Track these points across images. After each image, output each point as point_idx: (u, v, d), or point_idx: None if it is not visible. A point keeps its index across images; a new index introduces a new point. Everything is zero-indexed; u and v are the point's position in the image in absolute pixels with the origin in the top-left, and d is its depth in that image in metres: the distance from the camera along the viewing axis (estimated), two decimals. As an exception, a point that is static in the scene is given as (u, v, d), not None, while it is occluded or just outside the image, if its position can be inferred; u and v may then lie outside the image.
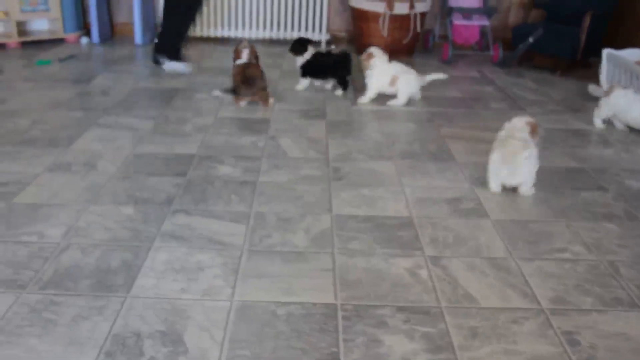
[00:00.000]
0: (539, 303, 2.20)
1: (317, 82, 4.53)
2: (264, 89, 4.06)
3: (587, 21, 5.11)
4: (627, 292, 2.29)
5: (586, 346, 1.99)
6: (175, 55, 4.83)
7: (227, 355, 1.85)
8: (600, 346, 1.99)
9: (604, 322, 2.11)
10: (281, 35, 5.89)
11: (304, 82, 4.49)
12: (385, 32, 5.44)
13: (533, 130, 3.02)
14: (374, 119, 4.03)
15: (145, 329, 1.94)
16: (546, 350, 1.96)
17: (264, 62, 5.17)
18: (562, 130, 4.02)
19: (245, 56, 4.17)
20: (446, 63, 5.56)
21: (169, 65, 4.82)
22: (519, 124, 3.03)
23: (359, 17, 5.57)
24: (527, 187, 3.01)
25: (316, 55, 4.40)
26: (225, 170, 3.13)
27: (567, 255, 2.53)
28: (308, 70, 4.43)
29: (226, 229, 2.57)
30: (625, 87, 4.01)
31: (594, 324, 2.10)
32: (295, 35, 5.82)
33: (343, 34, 6.13)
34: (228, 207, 2.76)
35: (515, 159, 2.94)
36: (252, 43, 4.38)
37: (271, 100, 4.08)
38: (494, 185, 3.05)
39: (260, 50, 5.45)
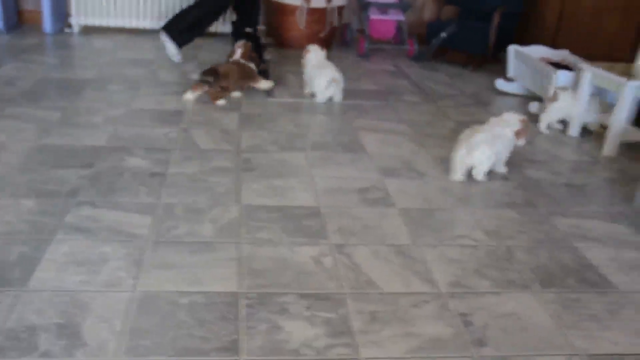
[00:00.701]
0: (437, 287, 2.27)
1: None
2: (225, 89, 4.09)
3: (497, 18, 5.29)
4: (521, 275, 2.40)
5: (479, 326, 2.08)
6: (176, 38, 4.77)
7: (127, 345, 1.84)
8: (492, 326, 2.09)
9: (497, 304, 2.21)
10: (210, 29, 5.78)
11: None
12: (302, 26, 5.47)
13: (523, 130, 3.23)
14: (289, 111, 4.05)
15: (41, 323, 1.90)
16: (442, 331, 2.03)
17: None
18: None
19: (238, 55, 4.24)
20: (362, 57, 5.64)
21: (167, 44, 4.80)
22: (510, 119, 3.26)
23: (276, 11, 5.57)
24: (478, 171, 3.17)
25: None
26: (134, 162, 3.08)
27: (468, 241, 2.62)
28: None
29: (133, 220, 2.53)
30: (565, 89, 4.04)
31: (488, 306, 2.19)
32: (210, 29, 5.73)
33: (262, 27, 6.11)
34: (136, 198, 2.72)
35: (473, 138, 3.11)
36: (248, 44, 4.34)
37: (221, 102, 4.06)
38: (458, 173, 3.18)
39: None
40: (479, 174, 3.17)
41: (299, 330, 1.97)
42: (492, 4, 5.36)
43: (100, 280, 2.13)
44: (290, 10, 5.45)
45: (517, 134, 3.25)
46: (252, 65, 4.31)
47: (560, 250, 2.61)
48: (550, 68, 4.27)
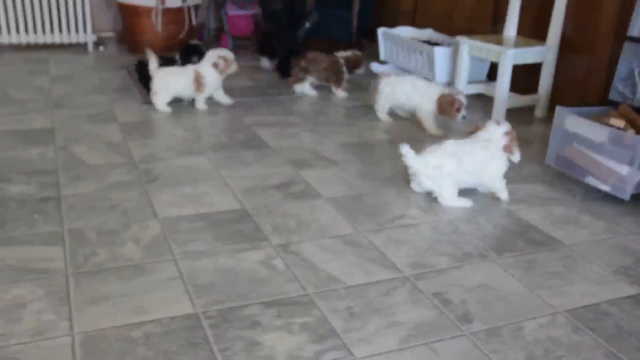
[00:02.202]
0: (401, 271, 2.15)
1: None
2: (305, 70, 4.23)
3: (356, 5, 5.30)
4: (473, 246, 2.35)
5: (458, 303, 1.98)
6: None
7: (87, 399, 1.51)
8: (470, 300, 2.00)
9: (464, 277, 2.13)
10: (40, 39, 5.23)
11: None
12: (159, 27, 5.12)
13: (509, 144, 2.68)
14: (170, 115, 3.74)
15: (-32, 393, 1.51)
16: (424, 314, 1.91)
17: (24, 70, 4.60)
18: (359, 106, 4.09)
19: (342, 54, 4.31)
20: (227, 55, 5.40)
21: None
22: (493, 134, 2.70)
23: (129, 13, 5.17)
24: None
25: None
26: (17, 189, 2.65)
27: (408, 220, 2.53)
28: None
29: (39, 254, 2.15)
30: (389, 75, 3.83)
31: (457, 281, 2.11)
32: (56, 39, 5.22)
33: (110, 34, 5.66)
34: (33, 229, 2.32)
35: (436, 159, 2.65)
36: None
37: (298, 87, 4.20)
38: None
39: (17, 58, 4.83)
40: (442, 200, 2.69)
41: (279, 342, 1.75)
42: (350, -9, 5.36)
43: (25, 329, 1.76)
44: (143, 12, 5.07)
45: (505, 149, 2.69)
46: (344, 68, 4.27)
47: (497, 216, 2.60)
48: (427, 45, 4.32)
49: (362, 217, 2.54)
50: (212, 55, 3.83)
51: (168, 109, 3.79)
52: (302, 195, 2.72)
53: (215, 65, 3.79)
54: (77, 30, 5.31)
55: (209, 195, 2.68)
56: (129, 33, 5.31)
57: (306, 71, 4.24)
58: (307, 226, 2.44)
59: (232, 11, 5.44)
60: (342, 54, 4.31)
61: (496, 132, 2.69)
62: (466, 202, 2.68)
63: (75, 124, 3.49)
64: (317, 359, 1.69)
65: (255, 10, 5.54)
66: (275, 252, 2.23)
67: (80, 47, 5.38)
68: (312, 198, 2.70)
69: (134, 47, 5.23)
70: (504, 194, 2.73)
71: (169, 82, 3.76)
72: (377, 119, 3.83)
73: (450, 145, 2.67)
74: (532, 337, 1.83)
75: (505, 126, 2.72)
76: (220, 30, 5.68)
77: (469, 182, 2.70)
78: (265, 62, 4.97)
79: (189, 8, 5.26)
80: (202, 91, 3.82)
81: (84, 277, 2.02)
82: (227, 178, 2.86)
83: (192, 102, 3.91)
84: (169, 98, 3.79)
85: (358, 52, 4.37)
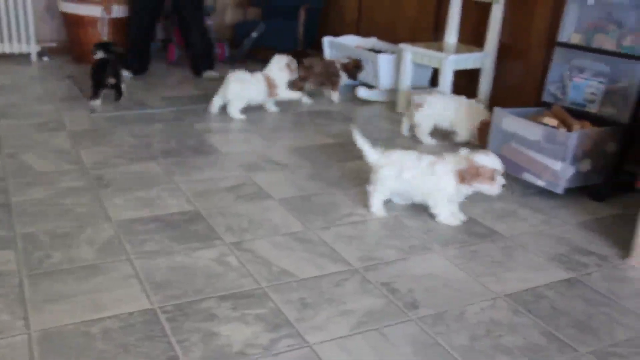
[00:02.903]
0: (350, 264, 2.24)
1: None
2: (303, 79, 4.42)
3: (302, 15, 5.41)
4: (418, 240, 2.46)
5: (405, 292, 2.08)
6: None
7: (48, 391, 1.54)
8: (416, 289, 2.10)
9: (411, 268, 2.24)
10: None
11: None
12: (105, 37, 5.10)
13: (464, 174, 2.49)
14: (119, 124, 3.75)
15: None
16: (374, 302, 2.00)
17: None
18: (308, 112, 4.19)
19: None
20: (173, 64, 5.44)
21: None
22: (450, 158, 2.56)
23: (74, 23, 5.15)
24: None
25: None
26: (-36, 196, 2.63)
27: (356, 217, 2.63)
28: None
29: (-9, 258, 2.15)
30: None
31: (404, 272, 2.21)
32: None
33: (54, 44, 5.61)
34: (-16, 234, 2.32)
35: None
36: None
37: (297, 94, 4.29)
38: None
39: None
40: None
41: (235, 332, 1.81)
42: (296, 2, 5.47)
43: (-19, 329, 1.77)
44: (89, 21, 5.06)
45: (459, 176, 2.50)
46: (340, 71, 4.38)
47: (441, 212, 2.72)
48: (371, 53, 4.46)
49: (312, 216, 2.62)
50: (279, 60, 4.06)
51: (242, 116, 3.95)
52: (254, 197, 2.79)
53: (287, 66, 4.05)
54: (19, 40, 5.26)
55: (162, 198, 2.72)
56: (73, 43, 5.28)
57: (304, 79, 4.38)
58: (259, 225, 2.51)
59: (179, 21, 5.46)
60: (340, 60, 4.46)
61: (454, 158, 2.54)
62: (381, 213, 2.64)
63: (22, 133, 3.48)
64: (272, 346, 1.76)
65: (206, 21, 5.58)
66: (228, 250, 2.30)
67: (24, 58, 5.32)
68: (263, 199, 2.77)
69: (79, 57, 5.21)
70: (440, 217, 2.60)
71: (243, 89, 3.91)
72: (325, 124, 3.93)
73: (397, 154, 2.62)
74: (474, 320, 1.94)
75: (482, 157, 2.50)
76: (166, 40, 5.71)
77: (410, 194, 2.65)
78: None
79: (135, 18, 5.26)
80: (275, 95, 4.05)
81: (40, 278, 2.04)
82: (179, 182, 2.91)
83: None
84: (243, 105, 3.97)
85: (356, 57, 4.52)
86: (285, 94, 4.14)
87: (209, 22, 5.54)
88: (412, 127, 3.72)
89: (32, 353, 1.68)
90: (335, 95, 4.45)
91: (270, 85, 4.03)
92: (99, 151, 3.26)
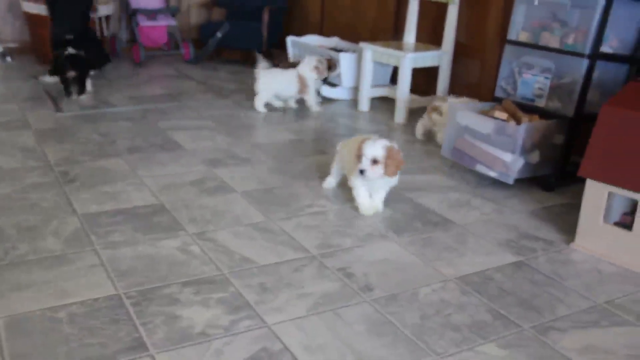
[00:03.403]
0: (309, 252, 2.34)
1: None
2: None
3: (266, 16, 5.50)
4: (374, 228, 2.57)
5: (360, 276, 2.19)
6: None
7: (16, 372, 1.61)
8: (371, 273, 2.21)
9: (367, 254, 2.35)
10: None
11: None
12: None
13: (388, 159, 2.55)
14: (85, 122, 3.80)
15: None
16: (330, 286, 2.11)
17: None
18: (269, 111, 4.28)
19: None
20: (139, 65, 5.48)
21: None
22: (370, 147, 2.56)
23: (37, 24, 5.16)
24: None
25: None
26: None
27: (316, 209, 2.73)
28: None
29: (-42, 250, 2.20)
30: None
31: (359, 258, 2.32)
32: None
33: (16, 44, 5.61)
34: (-50, 228, 2.36)
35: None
36: None
37: None
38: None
39: None
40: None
41: (197, 315, 1.90)
42: (260, 3, 5.56)
43: (-51, 316, 1.83)
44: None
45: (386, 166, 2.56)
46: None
47: (397, 202, 2.84)
48: (332, 52, 4.57)
49: (273, 207, 2.71)
50: (312, 59, 4.21)
51: (264, 110, 4.18)
52: (217, 190, 2.87)
53: (316, 68, 4.17)
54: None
55: (126, 192, 2.79)
56: (37, 43, 5.30)
57: None
58: (221, 217, 2.59)
59: (144, 22, 5.52)
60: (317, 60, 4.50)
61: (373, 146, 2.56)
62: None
63: (-13, 131, 3.51)
64: (232, 327, 1.85)
65: (169, 21, 5.64)
66: (191, 240, 2.38)
67: (-14, 59, 5.31)
68: (227, 192, 2.85)
69: (43, 57, 5.22)
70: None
71: (272, 83, 4.13)
72: (287, 121, 4.03)
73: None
74: (426, 301, 2.06)
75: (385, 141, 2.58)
76: (132, 41, 5.74)
77: None
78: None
79: (100, 19, 5.30)
80: (306, 92, 4.22)
81: (5, 268, 2.10)
82: (144, 177, 2.97)
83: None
84: (268, 98, 4.20)
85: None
86: (312, 94, 4.28)
87: (174, 22, 5.60)
88: (426, 132, 3.79)
89: (1, 336, 1.74)
90: (315, 107, 4.36)
91: (302, 84, 4.19)
92: (64, 148, 3.31)
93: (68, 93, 4.21)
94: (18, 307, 1.88)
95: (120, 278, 2.07)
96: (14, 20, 5.53)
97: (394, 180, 2.66)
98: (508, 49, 3.21)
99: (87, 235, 2.36)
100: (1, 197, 2.65)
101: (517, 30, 3.15)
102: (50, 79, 4.54)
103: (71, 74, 4.12)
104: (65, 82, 4.19)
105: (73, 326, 1.80)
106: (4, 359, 1.65)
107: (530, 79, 3.11)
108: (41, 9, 5.05)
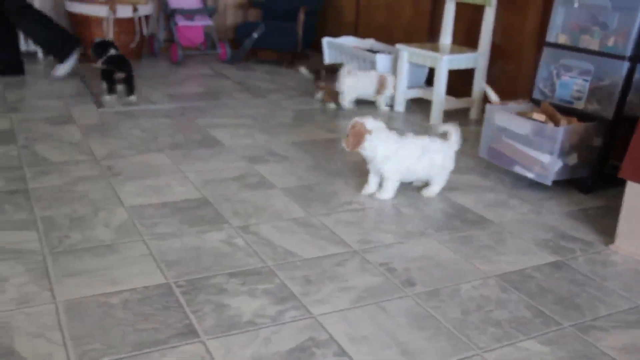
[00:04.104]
0: (350, 246, 2.39)
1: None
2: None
3: (301, 17, 5.57)
4: (414, 225, 2.61)
5: (402, 271, 2.23)
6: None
7: (76, 353, 1.69)
8: (412, 268, 2.25)
9: (407, 251, 2.39)
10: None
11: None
12: (110, 37, 5.26)
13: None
14: (127, 118, 3.90)
15: (-36, 350, 1.67)
16: (373, 280, 2.15)
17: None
18: (306, 110, 4.34)
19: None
20: (177, 64, 5.58)
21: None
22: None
23: (80, 23, 5.29)
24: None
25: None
26: (-17, 183, 2.77)
27: (355, 206, 2.78)
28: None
29: (14, 237, 2.30)
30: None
31: (400, 253, 2.36)
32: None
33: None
34: (5, 216, 2.46)
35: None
36: None
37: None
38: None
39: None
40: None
41: (245, 304, 1.96)
42: (295, 4, 5.63)
43: (9, 299, 1.91)
44: (95, 21, 5.21)
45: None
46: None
47: (435, 201, 2.88)
48: (369, 53, 4.62)
49: (313, 203, 2.77)
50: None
51: (351, 106, 4.41)
52: (258, 185, 2.94)
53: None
54: (26, 39, 5.39)
55: (170, 186, 2.86)
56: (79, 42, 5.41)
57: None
58: (263, 211, 2.66)
59: (182, 22, 5.62)
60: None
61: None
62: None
63: (34, 126, 3.62)
64: (279, 317, 1.91)
65: (206, 21, 5.74)
66: (235, 233, 2.44)
67: (30, 56, 5.45)
68: (267, 188, 2.91)
69: (85, 55, 5.34)
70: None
71: (354, 83, 4.33)
72: (324, 120, 4.09)
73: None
74: (466, 296, 2.09)
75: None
76: (169, 40, 5.85)
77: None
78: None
79: (139, 18, 5.42)
80: (383, 93, 4.38)
81: (60, 255, 2.18)
82: (186, 172, 3.05)
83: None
84: (354, 97, 4.40)
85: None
86: (387, 95, 4.40)
87: (211, 22, 5.69)
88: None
89: (59, 319, 1.82)
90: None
91: (381, 85, 4.33)
92: (108, 143, 3.40)
93: (113, 92, 4.30)
94: (74, 292, 1.96)
95: (169, 268, 2.14)
96: (57, 19, 5.66)
97: (384, 168, 2.80)
98: (547, 52, 3.22)
99: (135, 226, 2.44)
100: (52, 189, 2.75)
101: (556, 32, 3.17)
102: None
103: (119, 75, 4.22)
104: (112, 82, 4.28)
105: (127, 312, 1.88)
106: (64, 340, 1.73)
107: (568, 81, 3.12)
108: (85, 9, 5.17)
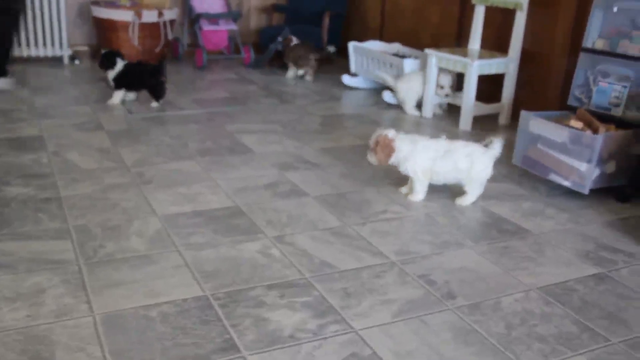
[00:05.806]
0: (388, 257, 2.35)
1: (131, 94, 4.39)
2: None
3: (326, 21, 5.54)
4: (450, 235, 2.56)
5: (442, 283, 2.19)
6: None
7: (117, 367, 1.66)
8: (452, 281, 2.21)
9: (446, 262, 2.34)
10: (15, 52, 5.30)
11: (119, 95, 4.30)
12: (136, 42, 5.26)
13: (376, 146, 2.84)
14: (156, 124, 3.89)
15: (6, 365, 1.65)
16: (413, 293, 2.11)
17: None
18: (334, 115, 4.31)
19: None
20: (201, 69, 5.57)
21: None
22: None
23: (106, 28, 5.30)
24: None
25: (128, 67, 4.27)
26: (16, 190, 2.76)
27: (390, 215, 2.73)
28: (122, 82, 4.28)
29: (49, 247, 2.28)
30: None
31: (439, 265, 2.31)
32: (32, 52, 5.33)
33: (85, 48, 5.77)
34: (40, 225, 2.44)
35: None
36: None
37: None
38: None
39: None
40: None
41: (285, 318, 1.92)
42: (320, 8, 5.59)
43: (48, 311, 1.89)
44: (121, 26, 5.21)
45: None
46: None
47: (470, 210, 2.83)
48: (396, 58, 4.57)
49: (347, 212, 2.73)
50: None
51: (417, 113, 4.41)
52: (290, 194, 2.90)
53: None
54: (52, 44, 5.42)
55: (203, 194, 2.84)
56: (106, 47, 5.42)
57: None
58: (297, 220, 2.62)
59: (206, 26, 5.61)
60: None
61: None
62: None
63: (63, 132, 3.62)
64: (321, 331, 1.87)
65: (231, 26, 5.73)
66: (271, 243, 2.41)
67: (56, 61, 5.48)
68: (300, 196, 2.88)
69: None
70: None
71: (410, 88, 4.36)
72: (352, 126, 4.05)
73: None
74: (509, 310, 2.04)
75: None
76: (194, 45, 5.85)
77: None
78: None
79: (164, 23, 5.42)
80: (440, 95, 4.32)
81: (96, 266, 2.16)
82: (218, 180, 3.03)
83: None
84: (414, 102, 4.41)
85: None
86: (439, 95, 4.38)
87: (235, 27, 5.68)
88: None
89: (98, 333, 1.80)
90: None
91: (438, 86, 4.30)
92: (138, 150, 3.39)
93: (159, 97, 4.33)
94: (112, 304, 1.94)
95: (206, 279, 2.12)
96: (83, 24, 5.69)
97: (406, 166, 2.85)
98: (583, 57, 3.16)
99: (169, 235, 2.42)
100: (84, 197, 2.73)
101: (593, 37, 3.11)
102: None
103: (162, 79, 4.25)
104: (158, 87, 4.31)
105: (166, 325, 1.85)
106: (104, 354, 1.70)
107: (606, 87, 3.06)
108: (111, 14, 5.18)
